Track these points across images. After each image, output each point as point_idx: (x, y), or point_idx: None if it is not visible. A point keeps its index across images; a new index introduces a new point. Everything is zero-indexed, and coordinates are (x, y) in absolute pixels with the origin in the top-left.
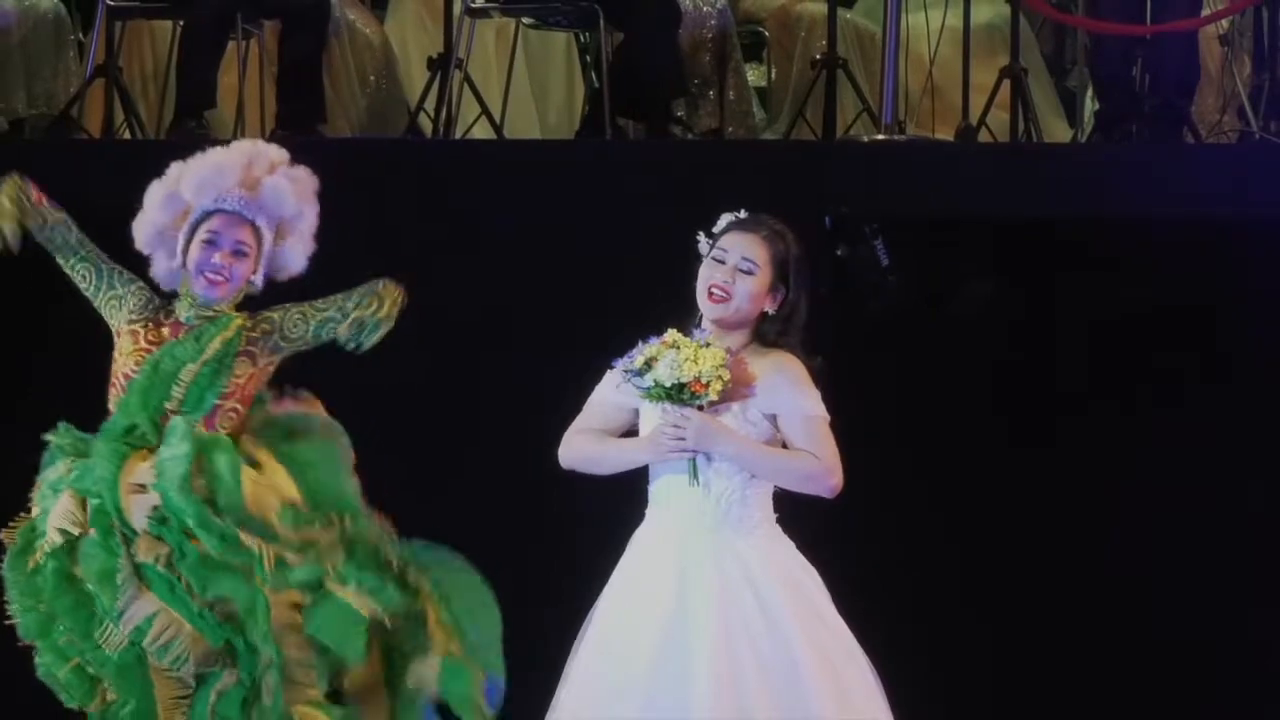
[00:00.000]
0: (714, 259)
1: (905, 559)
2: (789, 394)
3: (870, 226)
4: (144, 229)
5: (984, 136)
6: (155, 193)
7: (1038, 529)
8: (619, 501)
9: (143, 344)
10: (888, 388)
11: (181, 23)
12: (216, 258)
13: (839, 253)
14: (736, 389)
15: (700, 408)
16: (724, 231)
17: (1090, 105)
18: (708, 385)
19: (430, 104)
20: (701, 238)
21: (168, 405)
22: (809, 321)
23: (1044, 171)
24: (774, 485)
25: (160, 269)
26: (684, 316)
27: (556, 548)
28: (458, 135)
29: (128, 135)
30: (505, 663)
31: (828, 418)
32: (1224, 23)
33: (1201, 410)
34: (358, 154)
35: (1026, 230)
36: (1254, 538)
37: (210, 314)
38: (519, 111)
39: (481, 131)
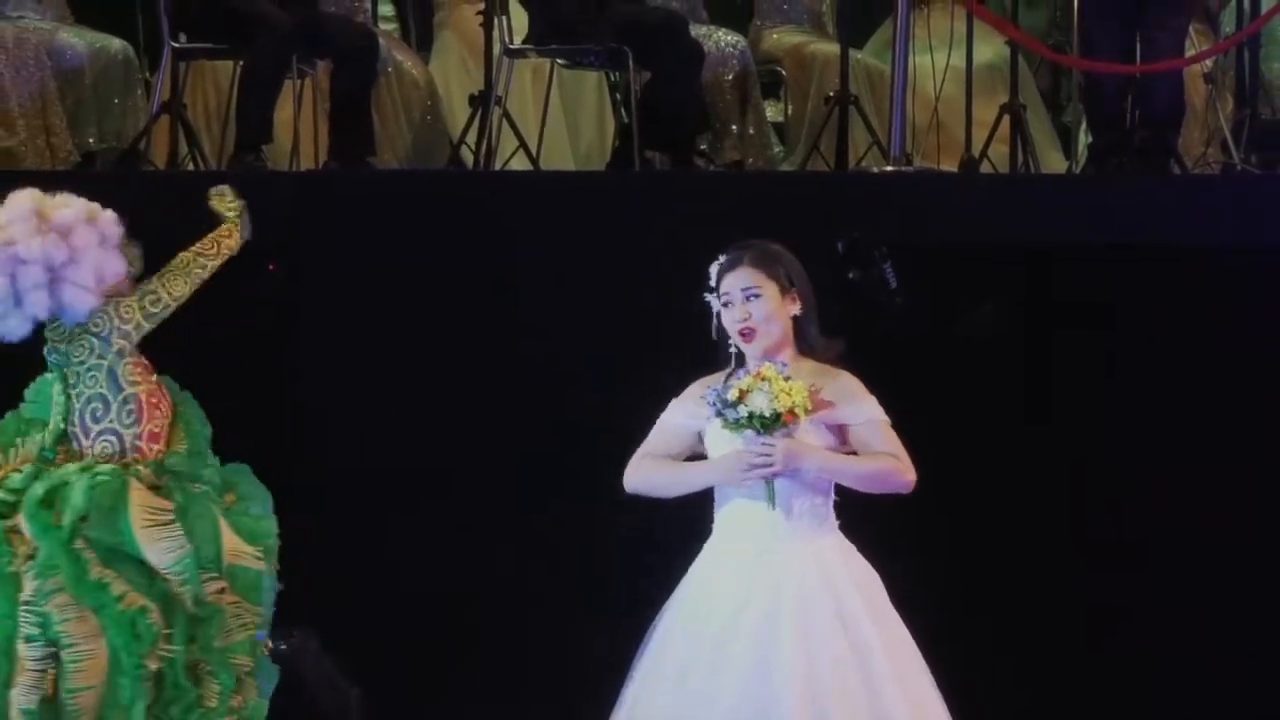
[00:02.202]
0: (724, 305)
1: (907, 565)
2: (855, 403)
3: (879, 251)
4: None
5: (986, 168)
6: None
7: (1037, 547)
8: (675, 521)
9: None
10: (893, 403)
11: (241, 63)
12: None
13: (850, 275)
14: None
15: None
16: (719, 279)
17: (1084, 139)
18: (797, 417)
19: (471, 138)
20: (713, 273)
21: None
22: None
23: (1041, 200)
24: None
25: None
26: (703, 337)
27: (613, 563)
28: (497, 167)
29: (191, 167)
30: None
31: (889, 420)
32: (1208, 62)
33: (1189, 424)
34: (404, 184)
35: (1026, 255)
36: (1256, 543)
37: None
38: (553, 145)
39: (519, 164)
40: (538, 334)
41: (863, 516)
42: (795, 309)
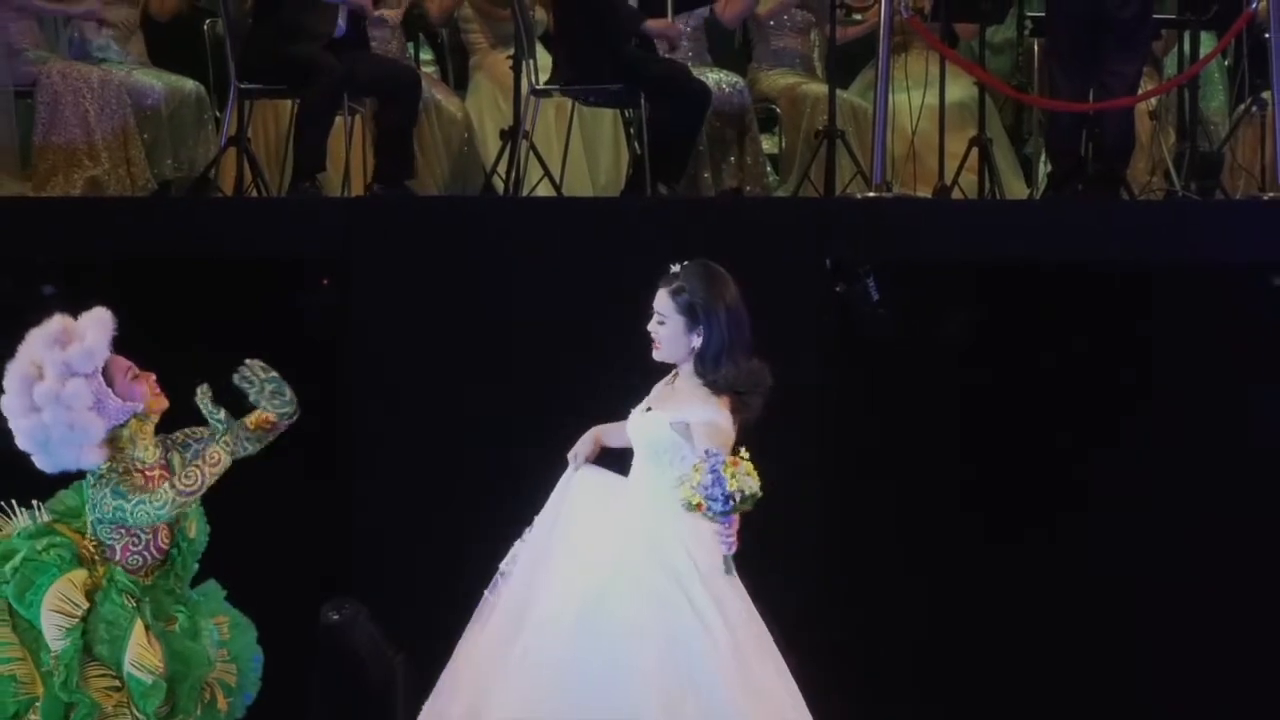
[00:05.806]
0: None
1: (900, 567)
2: (696, 405)
3: (863, 268)
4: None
5: (956, 194)
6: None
7: (1029, 555)
8: None
9: None
10: (885, 412)
11: (298, 102)
12: None
13: (838, 289)
14: (671, 403)
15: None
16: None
17: (1044, 168)
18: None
19: (502, 168)
20: None
21: None
22: (749, 358)
23: (1006, 223)
24: None
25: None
26: None
27: None
28: (525, 193)
29: (255, 194)
30: None
31: (727, 430)
32: (1153, 101)
33: (1142, 425)
34: (442, 209)
35: (992, 272)
36: (1251, 545)
37: None
38: (575, 174)
39: (544, 190)
40: (561, 341)
41: (860, 528)
42: (695, 343)
